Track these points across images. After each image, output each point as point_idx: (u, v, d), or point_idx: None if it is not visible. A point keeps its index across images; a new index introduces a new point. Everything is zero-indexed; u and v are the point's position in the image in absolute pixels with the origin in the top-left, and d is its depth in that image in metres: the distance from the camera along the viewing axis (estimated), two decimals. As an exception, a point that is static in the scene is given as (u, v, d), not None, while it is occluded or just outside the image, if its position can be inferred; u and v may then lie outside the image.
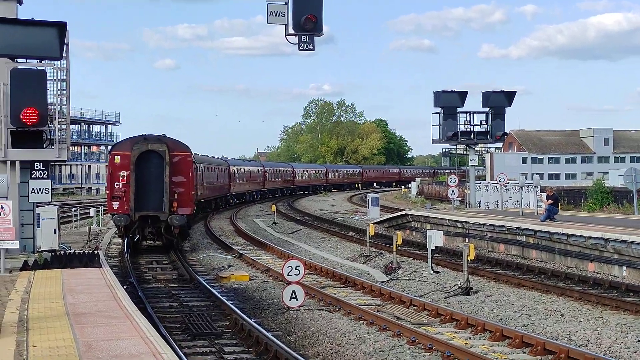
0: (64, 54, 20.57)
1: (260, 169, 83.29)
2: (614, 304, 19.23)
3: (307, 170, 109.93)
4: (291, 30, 19.19)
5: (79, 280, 17.96)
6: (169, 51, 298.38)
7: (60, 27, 19.72)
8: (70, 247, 28.99)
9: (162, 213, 29.81)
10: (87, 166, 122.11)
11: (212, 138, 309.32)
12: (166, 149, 30.11)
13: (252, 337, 15.71)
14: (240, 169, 72.10)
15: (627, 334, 16.18)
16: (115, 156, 30.66)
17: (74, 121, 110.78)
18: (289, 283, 19.34)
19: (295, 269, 19.28)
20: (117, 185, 30.23)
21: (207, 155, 59.99)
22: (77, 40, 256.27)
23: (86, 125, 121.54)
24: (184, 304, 20.22)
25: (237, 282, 24.27)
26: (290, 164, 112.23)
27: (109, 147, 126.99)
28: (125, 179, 29.99)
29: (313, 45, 19.23)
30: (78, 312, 13.71)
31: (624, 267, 23.41)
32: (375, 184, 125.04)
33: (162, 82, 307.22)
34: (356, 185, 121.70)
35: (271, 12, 18.95)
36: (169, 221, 29.85)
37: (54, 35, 19.64)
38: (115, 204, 30.16)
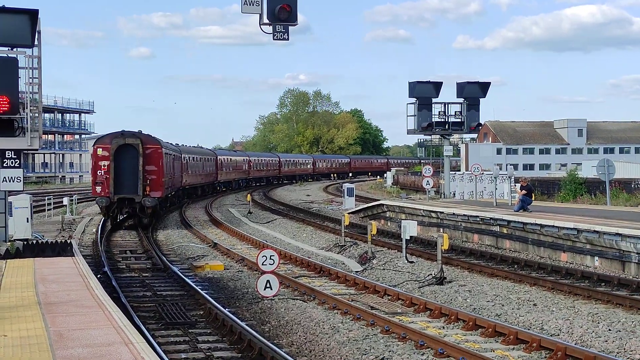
0: (36, 42, 20.34)
1: (246, 159, 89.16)
2: (585, 293, 19.41)
3: (294, 160, 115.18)
4: (265, 20, 19.14)
5: (51, 269, 17.84)
6: (144, 40, 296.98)
7: (32, 15, 19.49)
8: (43, 236, 28.78)
9: (137, 196, 35.90)
10: (60, 155, 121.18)
11: (187, 127, 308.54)
12: (140, 143, 36.17)
13: (226, 326, 15.69)
14: (227, 158, 78.54)
15: (598, 323, 16.34)
16: (98, 149, 36.35)
17: (47, 109, 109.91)
18: (263, 272, 19.34)
19: (270, 258, 19.27)
20: (99, 172, 36.02)
21: (195, 146, 68.02)
22: (50, 27, 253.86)
23: (60, 114, 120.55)
24: (158, 293, 20.15)
25: (212, 272, 24.23)
26: (277, 154, 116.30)
27: (84, 136, 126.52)
28: (106, 167, 35.87)
29: (287, 35, 19.19)
30: (50, 301, 13.62)
31: (596, 258, 23.63)
32: (350, 174, 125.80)
33: (137, 71, 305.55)
34: (332, 175, 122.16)
35: (246, 1, 18.88)
36: (142, 202, 35.86)
37: (25, 23, 19.41)
38: (98, 188, 36.08)
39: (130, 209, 36.55)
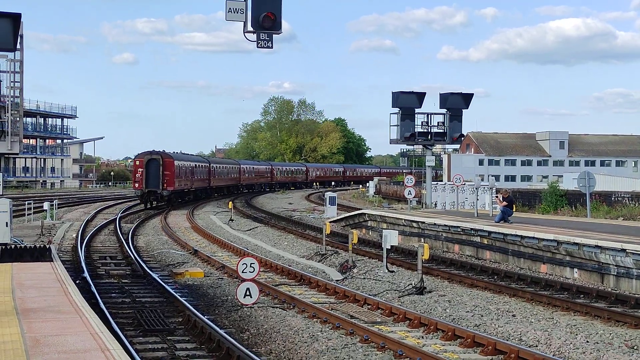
0: (18, 46, 20.25)
1: (269, 168, 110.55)
2: (564, 305, 19.48)
3: (322, 169, 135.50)
4: (250, 28, 19.10)
5: (29, 274, 17.71)
6: (128, 45, 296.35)
7: (14, 18, 19.42)
8: (23, 241, 28.60)
9: (158, 189, 58.02)
10: (42, 159, 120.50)
11: (170, 134, 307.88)
12: (160, 158, 58.65)
13: (205, 333, 15.62)
14: (249, 167, 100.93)
15: (577, 335, 16.41)
16: (136, 161, 60.21)
17: (29, 114, 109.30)
18: (243, 280, 19.29)
19: (250, 266, 19.24)
20: (137, 175, 58.56)
21: (223, 158, 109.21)
22: (32, 31, 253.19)
23: (42, 118, 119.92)
24: (137, 299, 20.05)
25: (192, 279, 24.14)
26: (305, 163, 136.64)
27: (66, 141, 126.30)
28: (140, 172, 58.08)
29: (271, 43, 19.17)
30: (27, 307, 13.52)
31: (575, 269, 23.75)
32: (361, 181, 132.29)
33: (121, 77, 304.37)
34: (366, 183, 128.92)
35: (230, 8, 18.84)
36: (161, 193, 58.30)
37: (7, 27, 19.34)
38: (136, 184, 58.90)
39: (154, 196, 58.64)
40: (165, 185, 58.12)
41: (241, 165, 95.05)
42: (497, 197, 31.54)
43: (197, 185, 71.08)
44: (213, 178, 77.55)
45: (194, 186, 69.35)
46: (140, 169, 58.08)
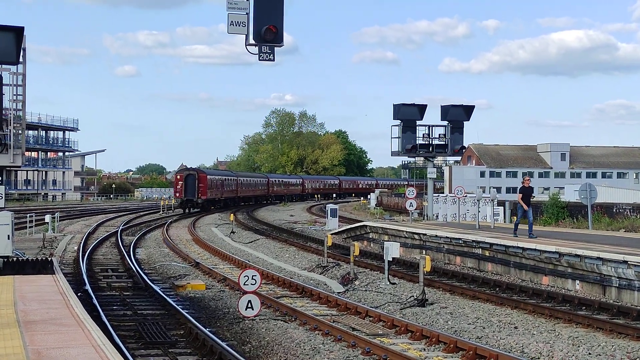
0: (21, 59, 20.32)
1: (300, 181, 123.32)
2: (566, 317, 19.46)
3: (354, 181, 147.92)
4: (251, 41, 19.12)
5: (31, 287, 17.71)
6: (130, 58, 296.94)
7: (17, 32, 19.49)
8: (24, 254, 28.60)
9: (194, 197, 72.08)
10: (43, 172, 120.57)
11: (171, 146, 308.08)
12: (196, 173, 73.45)
13: (207, 346, 15.62)
14: (279, 180, 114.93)
15: (579, 347, 16.39)
16: (177, 175, 75.41)
17: (31, 127, 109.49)
18: (245, 292, 19.28)
19: (252, 278, 19.22)
20: (177, 187, 73.01)
21: (249, 173, 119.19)
22: (35, 44, 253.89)
23: (43, 131, 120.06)
24: (139, 312, 20.05)
25: (193, 291, 24.13)
26: (338, 176, 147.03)
27: (67, 154, 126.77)
28: (180, 185, 72.31)
29: (273, 56, 19.19)
30: (29, 319, 13.52)
31: (577, 281, 23.72)
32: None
33: (123, 89, 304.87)
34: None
35: (232, 21, 18.87)
36: (196, 201, 72.38)
37: (10, 40, 19.40)
38: (177, 194, 73.43)
39: (191, 203, 72.50)
40: (200, 194, 72.44)
41: (270, 179, 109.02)
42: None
43: (227, 195, 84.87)
44: (240, 189, 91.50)
45: (223, 196, 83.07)
46: (181, 182, 72.56)
